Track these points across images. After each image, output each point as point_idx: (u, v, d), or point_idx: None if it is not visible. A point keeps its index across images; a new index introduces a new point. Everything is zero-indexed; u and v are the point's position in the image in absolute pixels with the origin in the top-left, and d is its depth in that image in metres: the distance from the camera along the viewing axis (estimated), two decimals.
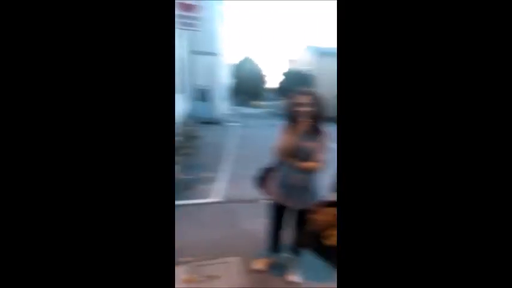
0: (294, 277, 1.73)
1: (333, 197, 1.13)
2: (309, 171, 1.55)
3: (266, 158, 1.73)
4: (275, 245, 1.80)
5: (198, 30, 5.54)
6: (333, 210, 1.10)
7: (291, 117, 1.55)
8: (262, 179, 1.73)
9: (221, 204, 2.93)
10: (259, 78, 24.68)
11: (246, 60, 24.48)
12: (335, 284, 1.15)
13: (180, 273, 1.73)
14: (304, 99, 1.50)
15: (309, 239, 1.14)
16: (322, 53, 16.78)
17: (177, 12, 4.79)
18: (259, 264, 1.82)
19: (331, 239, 1.08)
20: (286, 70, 19.44)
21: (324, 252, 1.11)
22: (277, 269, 1.82)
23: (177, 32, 5.14)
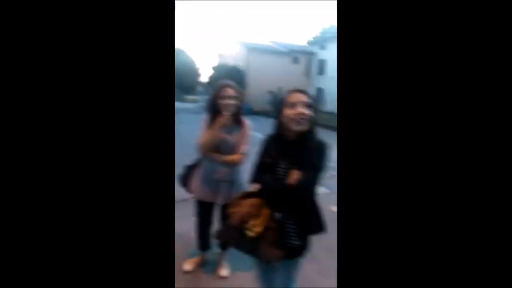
0: (224, 271, 1.73)
1: (251, 188, 1.15)
2: (233, 164, 1.55)
3: (196, 155, 1.65)
4: (205, 242, 1.75)
5: None
6: (253, 201, 1.11)
7: (214, 110, 1.52)
8: (185, 177, 1.66)
9: None
10: (191, 71, 23.59)
11: (178, 52, 23.00)
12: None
13: None
14: (227, 92, 1.49)
15: (230, 233, 1.14)
16: (252, 49, 17.17)
17: None
18: (189, 265, 1.75)
19: (253, 229, 1.10)
20: (215, 64, 19.18)
21: (246, 244, 1.11)
22: (208, 266, 1.78)
23: None
